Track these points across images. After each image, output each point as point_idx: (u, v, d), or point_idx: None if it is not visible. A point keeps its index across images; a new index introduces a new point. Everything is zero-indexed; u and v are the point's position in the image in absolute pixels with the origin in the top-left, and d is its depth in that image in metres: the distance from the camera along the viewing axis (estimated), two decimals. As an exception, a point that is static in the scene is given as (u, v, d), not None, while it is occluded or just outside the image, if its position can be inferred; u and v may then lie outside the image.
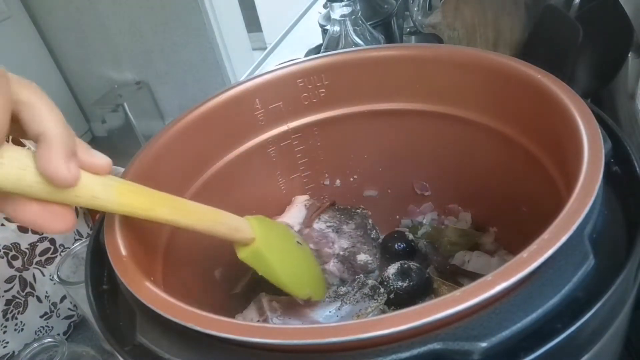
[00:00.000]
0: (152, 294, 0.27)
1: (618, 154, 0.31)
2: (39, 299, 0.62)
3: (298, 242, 0.44)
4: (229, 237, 0.35)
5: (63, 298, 0.64)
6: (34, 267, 0.61)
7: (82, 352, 0.48)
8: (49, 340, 0.45)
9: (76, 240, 0.65)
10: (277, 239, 0.41)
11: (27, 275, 0.60)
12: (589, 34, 0.50)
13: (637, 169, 0.30)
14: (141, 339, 0.26)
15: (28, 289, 0.60)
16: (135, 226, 0.34)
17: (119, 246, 0.31)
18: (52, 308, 0.63)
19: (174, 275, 0.38)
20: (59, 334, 0.64)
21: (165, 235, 0.40)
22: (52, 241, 0.63)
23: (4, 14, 2.28)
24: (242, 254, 0.36)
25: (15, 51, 2.31)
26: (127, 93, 2.53)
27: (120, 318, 0.30)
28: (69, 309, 0.65)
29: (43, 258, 0.62)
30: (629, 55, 0.51)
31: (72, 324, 0.66)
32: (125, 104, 2.46)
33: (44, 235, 0.61)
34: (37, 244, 0.61)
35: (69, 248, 0.64)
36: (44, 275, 0.62)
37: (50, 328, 0.64)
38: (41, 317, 0.62)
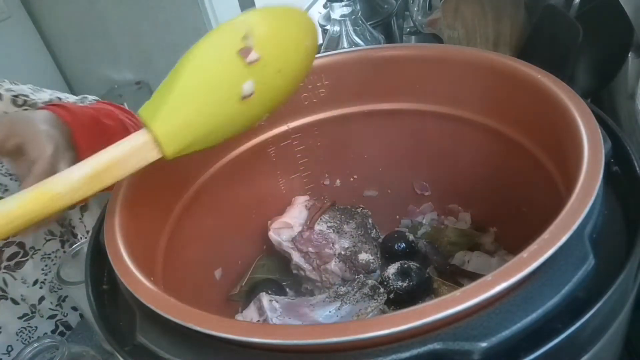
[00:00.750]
0: (152, 294, 0.27)
1: (618, 154, 0.31)
2: (14, 301, 0.61)
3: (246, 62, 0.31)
4: (133, 171, 0.30)
5: (41, 299, 0.64)
6: (4, 272, 0.60)
7: (82, 352, 0.48)
8: (49, 340, 0.45)
9: (47, 240, 0.64)
10: (202, 107, 0.31)
11: None
12: (589, 34, 0.50)
13: (637, 169, 0.30)
14: (141, 339, 0.26)
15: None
16: (135, 226, 0.34)
17: (119, 246, 0.31)
18: (33, 309, 0.62)
19: (174, 275, 0.38)
20: (46, 333, 0.64)
21: (165, 235, 0.40)
22: (21, 245, 0.61)
23: (4, 14, 2.28)
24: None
25: (15, 51, 2.31)
26: (127, 93, 2.53)
27: (120, 318, 0.30)
28: (50, 309, 0.65)
29: (12, 262, 0.60)
30: (629, 55, 0.51)
31: (58, 322, 0.66)
32: (125, 104, 2.45)
33: (9, 240, 0.60)
34: (4, 249, 0.60)
35: (39, 250, 0.63)
36: (15, 279, 0.61)
37: (34, 328, 0.63)
38: (20, 318, 0.62)
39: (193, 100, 0.31)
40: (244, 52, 0.31)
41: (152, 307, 0.26)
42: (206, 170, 0.45)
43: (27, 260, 0.62)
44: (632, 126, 0.51)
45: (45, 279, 0.64)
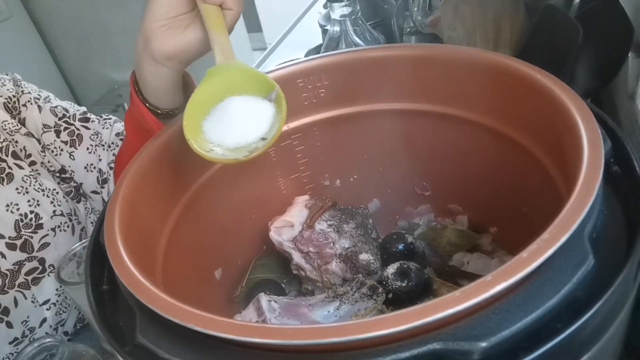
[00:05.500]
0: (152, 294, 0.27)
1: (618, 154, 0.31)
2: (9, 325, 0.58)
3: None
4: None
5: (42, 322, 0.62)
6: (16, 290, 0.58)
7: (82, 352, 0.48)
8: (49, 340, 0.45)
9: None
10: None
11: (5, 299, 0.57)
12: (589, 34, 0.50)
13: (637, 169, 0.30)
14: (141, 339, 0.26)
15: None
16: (135, 226, 0.34)
17: (119, 246, 0.31)
18: (27, 333, 0.60)
19: (174, 275, 0.38)
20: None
21: (165, 235, 0.40)
22: (42, 261, 0.59)
23: (4, 14, 2.28)
24: None
25: (15, 51, 2.31)
26: (127, 93, 2.53)
27: (120, 318, 0.30)
28: (46, 332, 0.63)
29: (29, 278, 0.59)
30: (629, 55, 0.51)
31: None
32: (125, 104, 2.46)
33: (33, 254, 0.59)
34: (25, 263, 0.58)
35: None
36: (26, 299, 0.59)
37: None
38: (10, 343, 0.59)
39: None
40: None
41: (152, 307, 0.26)
42: (206, 170, 0.45)
43: (44, 277, 0.60)
44: (632, 126, 0.51)
45: (57, 301, 0.62)
